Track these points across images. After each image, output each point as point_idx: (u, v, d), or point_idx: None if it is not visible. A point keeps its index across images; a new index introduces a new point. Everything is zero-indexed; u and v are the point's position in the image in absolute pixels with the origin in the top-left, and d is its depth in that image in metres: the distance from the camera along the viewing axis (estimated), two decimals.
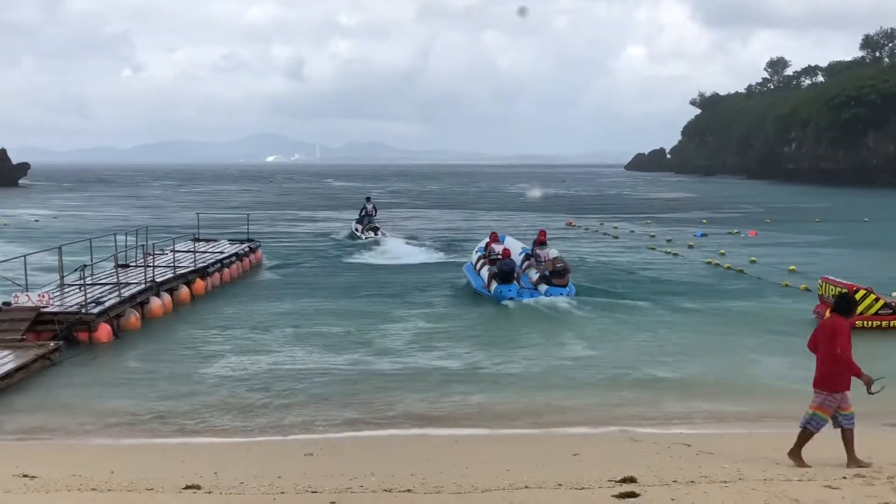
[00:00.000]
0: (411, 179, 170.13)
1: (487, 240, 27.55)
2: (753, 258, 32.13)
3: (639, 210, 67.38)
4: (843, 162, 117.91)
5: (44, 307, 18.05)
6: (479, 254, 27.05)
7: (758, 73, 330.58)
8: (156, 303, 20.95)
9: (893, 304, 19.45)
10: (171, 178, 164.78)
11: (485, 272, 24.58)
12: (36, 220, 53.05)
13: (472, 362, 16.36)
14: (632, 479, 8.64)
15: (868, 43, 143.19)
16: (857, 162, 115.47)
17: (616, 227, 48.41)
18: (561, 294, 22.62)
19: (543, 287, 23.04)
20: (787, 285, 25.77)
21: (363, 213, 42.65)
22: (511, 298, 22.44)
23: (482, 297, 23.43)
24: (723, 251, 34.62)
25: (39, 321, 17.67)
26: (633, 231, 46.74)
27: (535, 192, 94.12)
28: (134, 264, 24.22)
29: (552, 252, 24.60)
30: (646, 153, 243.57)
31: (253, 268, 30.18)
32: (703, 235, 43.26)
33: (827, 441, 10.31)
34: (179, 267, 23.98)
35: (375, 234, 40.32)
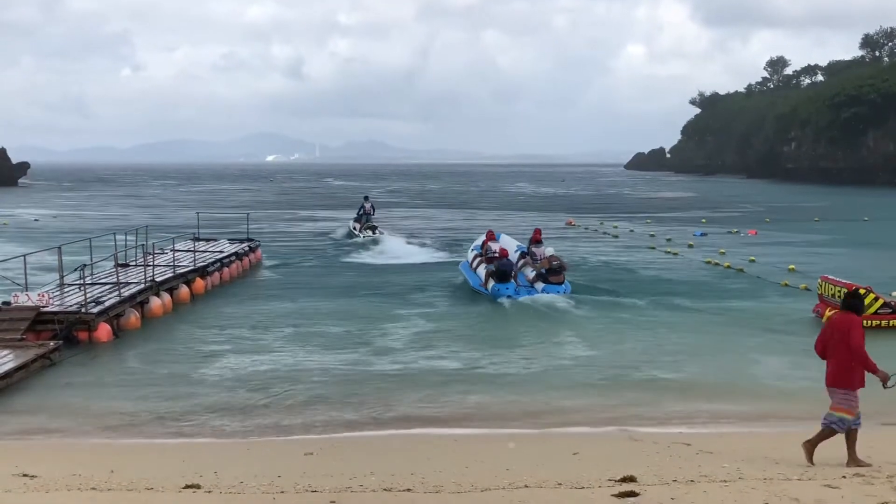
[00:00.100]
0: (411, 179, 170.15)
1: (483, 238, 27.74)
2: (753, 257, 32.13)
3: (638, 209, 67.38)
4: (842, 161, 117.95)
5: (43, 307, 18.06)
6: (475, 252, 27.20)
7: (757, 73, 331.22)
8: (156, 302, 20.96)
9: (893, 303, 19.46)
10: (171, 178, 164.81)
11: (481, 270, 24.76)
12: (36, 220, 53.07)
13: (471, 362, 16.36)
14: (631, 479, 8.65)
15: (868, 42, 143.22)
16: (856, 161, 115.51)
17: (616, 227, 48.41)
18: (557, 292, 22.78)
19: (540, 285, 23.18)
20: (786, 284, 25.78)
21: (361, 211, 42.90)
22: (508, 296, 22.57)
23: (480, 295, 23.53)
24: (722, 250, 34.63)
25: (39, 321, 17.68)
26: (632, 230, 46.75)
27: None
28: (134, 264, 24.23)
29: (548, 250, 24.84)
30: (645, 152, 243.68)
31: (253, 267, 30.19)
32: (702, 235, 43.26)
33: (827, 441, 10.32)
34: (179, 266, 23.98)
35: (373, 233, 40.46)
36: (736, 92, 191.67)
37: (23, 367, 14.96)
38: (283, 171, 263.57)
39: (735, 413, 13.24)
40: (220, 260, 27.04)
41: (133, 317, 19.57)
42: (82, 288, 19.30)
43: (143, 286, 20.85)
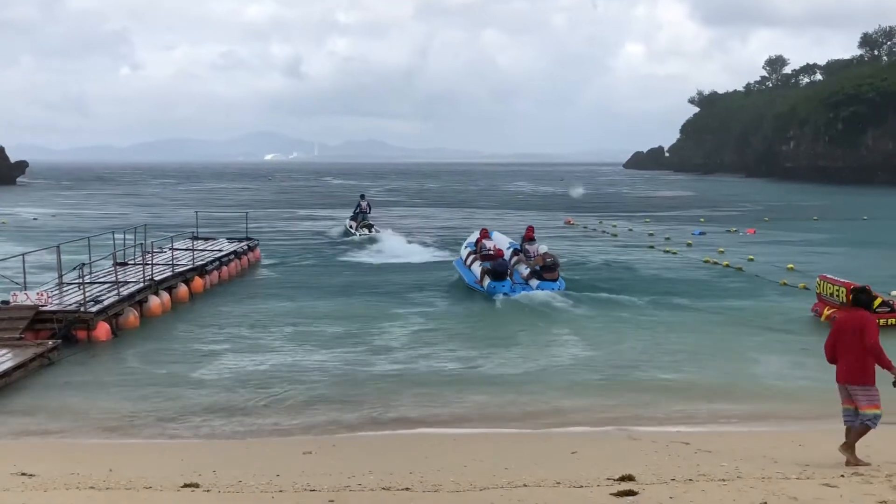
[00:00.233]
0: (410, 177, 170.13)
1: (478, 235, 28.01)
2: (752, 256, 32.15)
3: (637, 208, 67.39)
4: (841, 160, 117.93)
5: (42, 306, 18.06)
6: (468, 249, 27.51)
7: (756, 72, 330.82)
8: (154, 301, 20.95)
9: (891, 302, 19.47)
10: (170, 177, 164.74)
11: (476, 267, 25.04)
12: (35, 219, 53.02)
13: (469, 361, 16.37)
14: (630, 478, 8.65)
15: (866, 41, 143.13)
16: (855, 160, 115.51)
17: (615, 226, 48.43)
18: (552, 288, 23.04)
19: (535, 282, 23.47)
20: (785, 283, 25.79)
21: (357, 210, 43.30)
22: (504, 294, 22.81)
23: (477, 293, 23.64)
24: (721, 249, 34.64)
25: (38, 320, 17.67)
26: (631, 229, 46.77)
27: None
28: (132, 262, 24.23)
29: (542, 247, 25.12)
30: (644, 151, 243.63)
31: (251, 266, 30.18)
32: (701, 234, 43.29)
33: (825, 439, 10.33)
34: (178, 265, 23.98)
35: (369, 231, 40.75)
36: (735, 91, 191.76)
37: (21, 366, 14.96)
38: (281, 169, 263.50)
39: (734, 412, 13.24)
40: (218, 259, 27.03)
41: (132, 316, 19.56)
42: (81, 287, 19.29)
43: (141, 285, 20.85)
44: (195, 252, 26.46)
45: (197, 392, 14.27)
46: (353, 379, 15.08)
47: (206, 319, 20.73)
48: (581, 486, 8.46)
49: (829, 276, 20.63)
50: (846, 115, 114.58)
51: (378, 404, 13.56)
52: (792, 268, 28.65)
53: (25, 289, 18.66)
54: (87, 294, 19.02)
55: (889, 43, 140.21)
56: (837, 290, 19.59)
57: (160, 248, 27.04)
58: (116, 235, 24.67)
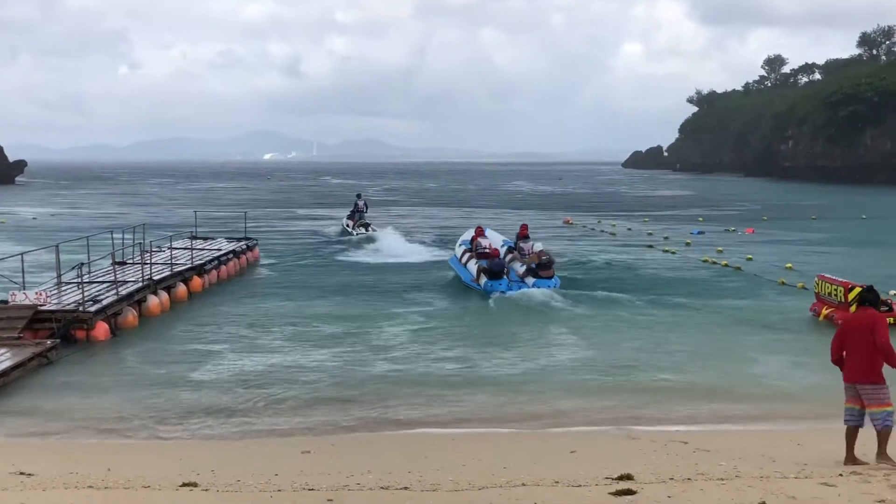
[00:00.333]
0: (408, 177, 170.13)
1: (473, 233, 28.19)
2: (750, 256, 32.18)
3: (636, 208, 67.42)
4: (839, 160, 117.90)
5: (41, 305, 18.04)
6: (464, 247, 27.71)
7: (755, 71, 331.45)
8: (153, 301, 20.94)
9: (889, 301, 19.49)
10: (168, 176, 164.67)
11: (472, 265, 25.26)
12: (34, 218, 53.00)
13: (468, 361, 16.37)
14: (629, 477, 8.66)
15: (865, 41, 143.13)
16: (854, 160, 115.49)
17: (614, 225, 48.45)
18: (548, 286, 23.25)
19: (531, 280, 23.71)
20: (783, 283, 25.83)
21: (354, 209, 43.85)
22: (501, 292, 22.98)
23: (475, 292, 23.78)
24: (720, 249, 34.67)
25: (37, 319, 17.66)
26: (630, 229, 46.78)
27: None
28: (131, 262, 24.22)
29: (537, 245, 25.47)
30: (643, 151, 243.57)
31: (250, 265, 30.18)
32: (700, 233, 43.31)
33: (824, 439, 10.35)
34: (177, 264, 23.97)
35: (366, 230, 41.05)
36: (733, 90, 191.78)
37: (20, 365, 14.95)
38: (280, 169, 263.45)
39: (732, 411, 13.26)
40: (217, 258, 27.03)
41: (131, 315, 19.55)
42: (80, 286, 19.28)
43: (140, 284, 20.84)
44: (194, 251, 26.45)
45: (195, 392, 14.26)
46: (351, 379, 15.08)
47: (205, 319, 20.73)
48: (580, 486, 8.46)
49: (827, 275, 20.66)
50: (845, 114, 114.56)
51: (376, 404, 13.56)
52: (790, 267, 28.67)
53: (24, 288, 18.64)
54: (86, 294, 19.00)
55: (888, 42, 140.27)
56: (835, 290, 19.61)
57: (159, 247, 27.02)
58: (115, 235, 24.66)
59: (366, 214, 43.62)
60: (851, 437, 9.32)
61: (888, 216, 55.16)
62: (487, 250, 25.65)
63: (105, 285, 20.72)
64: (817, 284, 20.65)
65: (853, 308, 18.81)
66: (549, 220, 53.58)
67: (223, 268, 27.01)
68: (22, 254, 20.14)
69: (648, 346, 17.65)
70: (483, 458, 10.19)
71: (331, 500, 8.14)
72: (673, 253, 34.34)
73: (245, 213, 39.44)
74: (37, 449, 11.46)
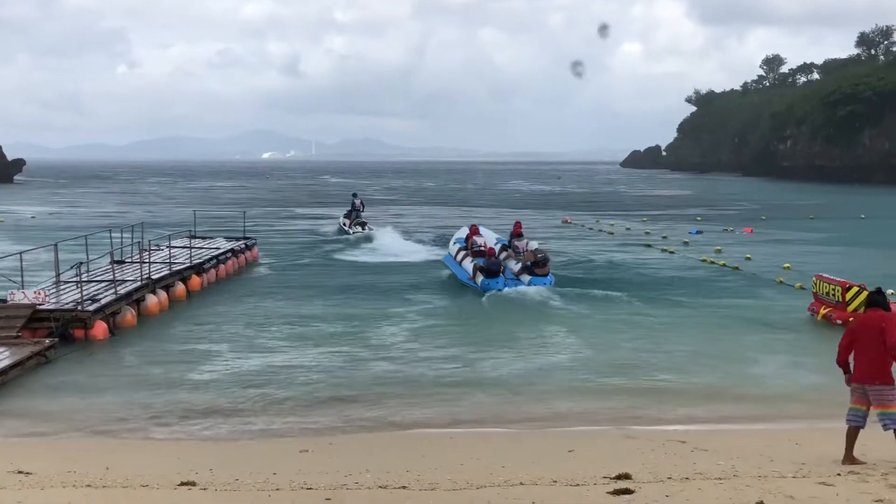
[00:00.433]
0: (407, 176, 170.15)
1: (467, 231, 28.48)
2: (749, 255, 32.21)
3: (634, 207, 67.46)
4: (838, 159, 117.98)
5: (40, 304, 18.03)
6: (458, 245, 27.97)
7: (753, 71, 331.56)
8: (152, 300, 20.94)
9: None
10: (167, 175, 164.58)
11: (467, 263, 25.56)
12: (32, 217, 52.99)
13: (467, 360, 16.36)
14: (626, 476, 8.67)
15: (863, 40, 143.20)
16: (852, 159, 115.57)
17: (612, 225, 48.46)
18: (544, 284, 23.55)
19: (526, 277, 23.97)
20: (781, 282, 25.88)
21: (351, 208, 44.34)
22: (498, 290, 23.27)
23: (472, 291, 23.92)
24: (718, 248, 34.69)
25: (35, 318, 17.65)
26: (628, 228, 46.80)
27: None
28: (130, 261, 24.21)
29: (532, 243, 25.74)
30: (641, 150, 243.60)
31: (249, 265, 30.18)
32: (698, 233, 43.33)
33: (822, 438, 10.36)
34: (175, 264, 23.97)
35: (363, 229, 41.54)
36: (732, 90, 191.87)
37: (18, 364, 14.94)
38: (279, 168, 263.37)
39: (730, 411, 13.25)
40: (215, 257, 27.02)
41: (129, 314, 19.54)
42: (78, 285, 19.27)
43: (139, 284, 20.83)
44: (192, 250, 26.45)
45: (194, 391, 14.26)
46: (349, 378, 15.07)
47: (204, 318, 20.72)
48: (578, 485, 8.47)
49: (825, 275, 20.67)
50: (843, 114, 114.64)
51: (374, 404, 13.56)
52: (788, 267, 28.68)
53: (23, 287, 18.63)
54: (85, 293, 19.00)
55: (886, 42, 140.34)
56: (833, 290, 19.63)
57: (157, 246, 27.03)
58: (113, 234, 24.65)
59: (363, 213, 44.09)
60: (852, 437, 9.31)
61: (886, 216, 55.20)
62: (483, 248, 25.90)
63: (104, 284, 20.71)
64: (815, 284, 20.67)
65: (851, 307, 19.00)
66: (547, 220, 53.63)
67: (222, 267, 27.01)
68: (20, 253, 20.14)
69: (646, 345, 17.66)
70: (481, 458, 10.20)
71: (329, 500, 8.15)
72: (671, 252, 34.37)
73: (244, 212, 39.43)
74: (35, 448, 11.45)
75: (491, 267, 23.82)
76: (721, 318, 20.61)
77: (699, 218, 54.35)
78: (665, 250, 35.09)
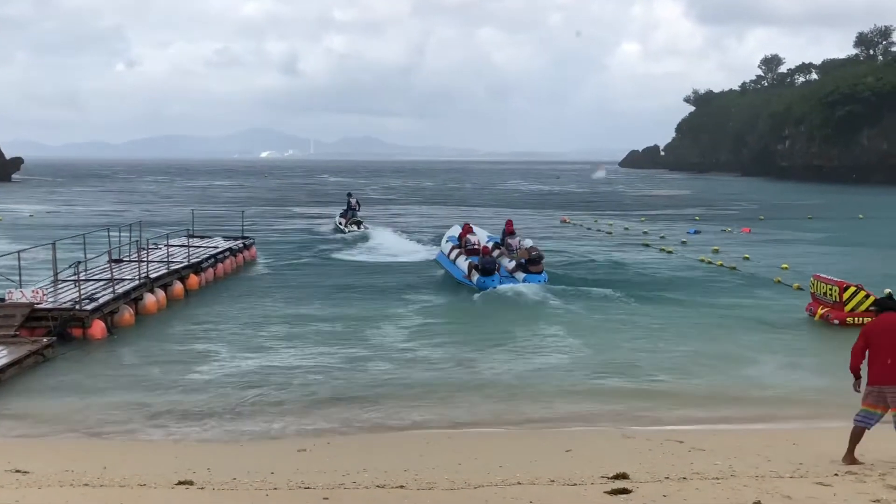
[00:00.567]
0: (406, 175, 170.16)
1: (459, 230, 28.92)
2: (747, 255, 32.23)
3: (633, 207, 67.49)
4: (836, 159, 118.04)
5: (38, 304, 18.01)
6: (451, 243, 28.28)
7: (752, 71, 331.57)
8: (150, 299, 20.92)
9: None
10: (165, 174, 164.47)
11: (461, 261, 25.94)
12: (30, 216, 52.95)
13: (464, 360, 16.36)
14: (624, 476, 8.68)
15: (862, 40, 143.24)
16: (850, 159, 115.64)
17: (611, 224, 48.48)
18: (538, 281, 23.87)
19: (521, 275, 24.23)
20: (779, 281, 25.91)
21: (347, 207, 44.66)
22: (494, 287, 23.57)
23: (468, 290, 24.06)
24: (716, 248, 34.70)
25: (33, 317, 17.62)
26: (627, 228, 46.82)
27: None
28: (128, 259, 24.19)
29: (526, 241, 25.99)
30: (640, 150, 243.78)
31: (247, 264, 30.17)
32: (696, 233, 43.36)
33: (819, 438, 10.37)
34: (173, 262, 23.96)
35: (358, 228, 41.98)
36: (730, 90, 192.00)
37: (16, 363, 14.93)
38: (277, 167, 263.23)
39: (728, 411, 13.25)
40: (214, 256, 27.01)
41: (127, 313, 19.53)
42: (76, 284, 19.26)
43: (137, 283, 20.82)
44: (190, 249, 26.43)
45: (192, 390, 14.25)
46: (348, 378, 15.06)
47: (202, 317, 20.71)
48: (575, 484, 8.49)
49: (822, 275, 20.69)
50: (841, 114, 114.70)
51: (372, 403, 13.54)
52: (786, 267, 28.70)
53: (21, 286, 18.61)
54: (83, 292, 18.97)
55: (884, 42, 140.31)
56: (831, 290, 19.65)
57: (155, 245, 27.01)
58: (112, 232, 24.63)
59: (358, 213, 44.48)
60: (858, 437, 9.30)
61: (885, 216, 55.24)
62: (477, 247, 26.23)
63: (101, 283, 20.68)
64: (813, 284, 20.68)
65: (848, 307, 19.04)
66: (546, 219, 53.65)
67: (220, 266, 26.99)
68: (18, 251, 20.12)
69: (644, 345, 17.67)
70: (479, 457, 10.20)
71: (327, 499, 8.15)
72: (669, 252, 34.38)
73: (242, 211, 39.40)
74: (32, 447, 11.44)
75: (486, 265, 24.06)
76: (718, 318, 20.61)
77: (697, 218, 54.41)
78: (663, 250, 35.11)
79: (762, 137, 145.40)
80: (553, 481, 8.64)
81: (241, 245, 30.61)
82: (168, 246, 26.26)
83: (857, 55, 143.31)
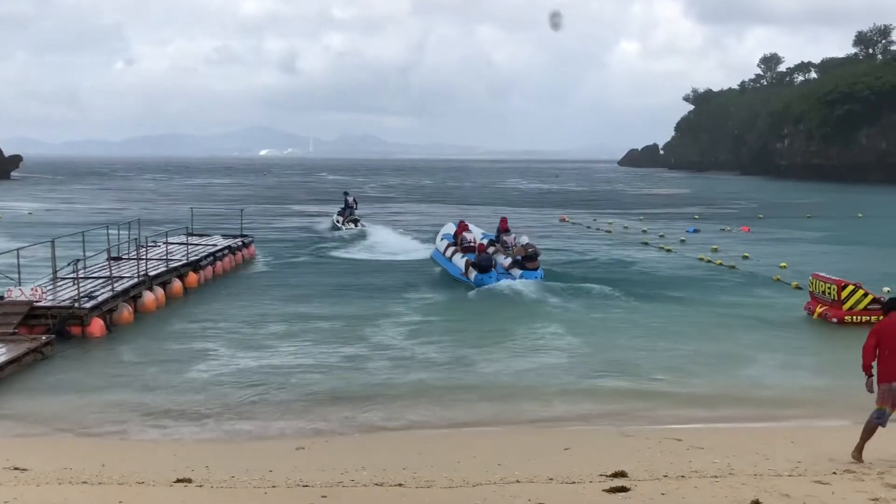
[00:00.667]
0: (405, 174, 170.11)
1: (455, 227, 29.09)
2: (746, 254, 32.24)
3: (632, 206, 67.50)
4: (835, 158, 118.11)
5: (37, 301, 18.01)
6: (446, 241, 28.48)
7: (751, 70, 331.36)
8: (148, 297, 20.92)
9: (882, 299, 19.54)
10: (164, 171, 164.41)
11: (458, 259, 26.10)
12: (29, 213, 52.93)
13: (463, 359, 16.36)
14: (622, 474, 8.69)
15: (861, 40, 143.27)
16: (849, 158, 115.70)
17: (610, 223, 48.48)
18: (534, 277, 23.99)
19: (517, 271, 24.33)
20: (778, 280, 25.92)
21: (345, 205, 45.06)
22: (492, 285, 23.70)
23: (467, 288, 24.09)
24: (715, 247, 34.71)
25: (32, 315, 17.62)
26: (626, 227, 46.82)
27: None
28: (127, 257, 24.18)
29: (522, 238, 25.98)
30: (639, 149, 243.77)
31: (246, 262, 30.17)
32: (695, 231, 43.35)
33: (818, 437, 10.38)
34: (172, 260, 23.95)
35: (355, 226, 42.29)
36: (730, 89, 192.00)
37: (14, 361, 14.92)
38: (276, 165, 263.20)
39: (726, 409, 13.24)
40: (212, 254, 27.01)
41: (126, 311, 19.53)
42: (75, 282, 19.25)
43: (136, 280, 20.82)
44: (189, 247, 26.42)
45: (190, 388, 14.24)
46: (346, 376, 15.06)
47: (200, 315, 20.71)
48: (574, 482, 8.49)
49: (821, 274, 20.69)
50: (840, 113, 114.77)
51: (371, 402, 13.53)
52: (785, 266, 28.71)
53: (20, 284, 18.61)
54: (82, 289, 18.98)
55: (884, 41, 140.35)
56: (829, 288, 19.66)
57: (154, 242, 27.00)
58: (110, 230, 24.63)
59: (356, 211, 44.84)
60: (871, 432, 9.30)
61: (884, 215, 55.28)
62: (473, 244, 26.37)
63: (100, 281, 20.68)
64: (812, 283, 20.69)
65: (846, 306, 19.04)
66: (545, 218, 53.65)
67: (219, 264, 26.99)
68: (17, 249, 20.10)
69: (642, 343, 17.67)
70: (477, 455, 10.21)
71: (325, 497, 8.16)
72: (668, 251, 34.39)
73: (241, 209, 39.40)
74: (31, 444, 11.44)
75: (483, 262, 24.26)
76: (717, 317, 20.62)
77: (696, 216, 54.42)
78: (662, 249, 35.12)
79: (761, 136, 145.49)
80: (551, 479, 8.65)
81: (240, 243, 30.60)
82: (167, 244, 26.25)
83: (856, 54, 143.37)
